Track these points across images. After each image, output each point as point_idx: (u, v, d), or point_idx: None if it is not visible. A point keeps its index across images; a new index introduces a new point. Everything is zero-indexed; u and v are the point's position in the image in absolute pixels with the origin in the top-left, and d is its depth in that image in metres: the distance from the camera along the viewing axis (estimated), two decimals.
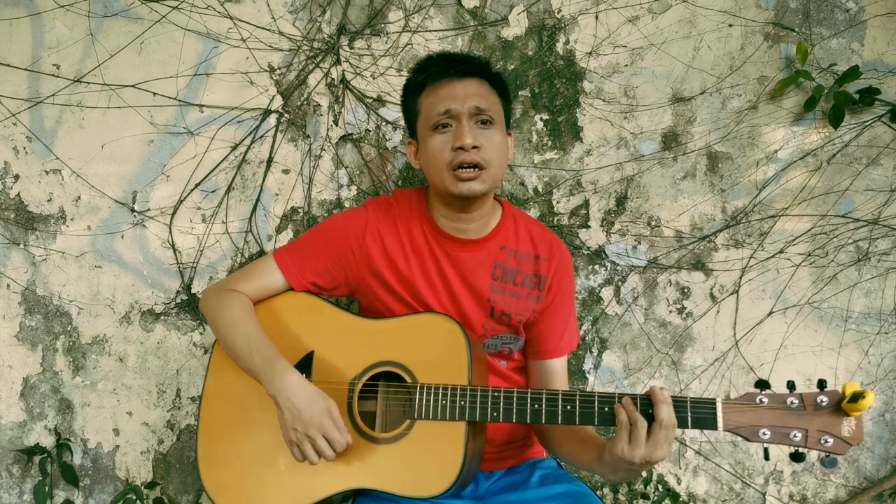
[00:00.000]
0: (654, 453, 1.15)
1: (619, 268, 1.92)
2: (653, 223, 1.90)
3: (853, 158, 1.87)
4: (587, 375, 1.94)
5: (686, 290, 1.92)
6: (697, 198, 1.89)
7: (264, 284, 1.48)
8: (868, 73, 1.82)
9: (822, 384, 1.15)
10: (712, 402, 1.18)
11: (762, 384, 1.18)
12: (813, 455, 1.16)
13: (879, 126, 1.85)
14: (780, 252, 1.89)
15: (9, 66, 1.88)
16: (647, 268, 1.91)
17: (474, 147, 1.33)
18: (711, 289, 1.91)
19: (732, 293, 1.91)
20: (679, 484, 1.96)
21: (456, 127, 1.35)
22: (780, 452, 1.91)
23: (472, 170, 1.34)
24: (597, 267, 1.92)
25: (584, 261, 1.91)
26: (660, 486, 1.96)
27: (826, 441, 1.13)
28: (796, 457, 1.15)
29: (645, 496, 1.95)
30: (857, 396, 1.08)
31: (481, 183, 1.36)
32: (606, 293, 1.92)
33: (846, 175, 1.87)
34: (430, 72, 1.39)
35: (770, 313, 1.91)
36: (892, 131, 1.85)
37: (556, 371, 1.54)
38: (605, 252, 1.91)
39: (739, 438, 1.28)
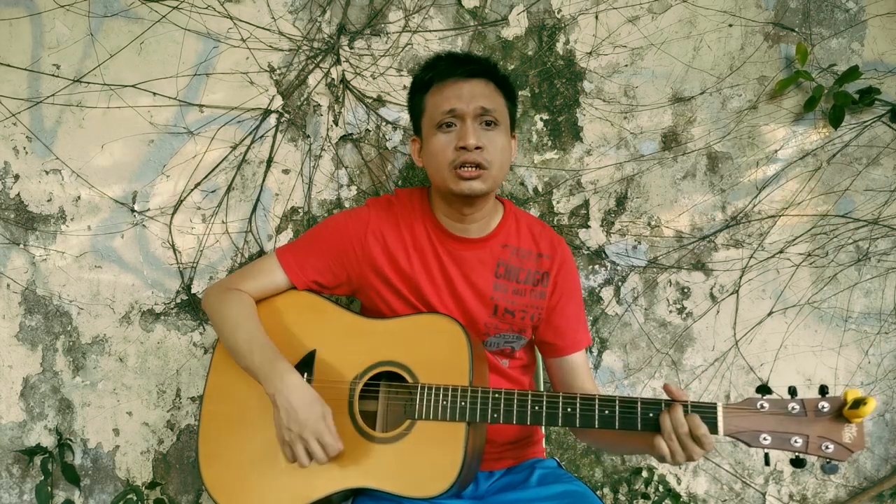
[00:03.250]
0: (695, 453, 1.17)
1: (619, 268, 1.91)
2: (653, 223, 1.90)
3: (853, 158, 1.87)
4: None
5: (686, 290, 1.92)
6: (697, 198, 1.89)
7: (267, 283, 1.48)
8: (868, 73, 1.82)
9: (823, 390, 1.14)
10: (713, 406, 1.17)
11: (763, 389, 1.18)
12: (813, 460, 1.16)
13: (879, 126, 1.85)
14: (780, 252, 1.89)
15: (9, 66, 1.88)
16: (647, 268, 1.91)
17: (477, 147, 1.34)
18: (711, 289, 1.91)
19: (732, 293, 1.91)
20: (679, 484, 1.96)
21: (460, 127, 1.36)
22: (780, 454, 1.90)
23: (473, 169, 1.35)
24: (597, 267, 1.92)
25: (584, 261, 1.91)
26: (660, 486, 1.96)
27: (827, 447, 1.13)
28: (797, 462, 1.15)
29: (645, 496, 1.95)
30: (858, 403, 1.08)
31: (482, 182, 1.36)
32: (606, 293, 1.92)
33: (846, 175, 1.87)
34: (437, 71, 1.40)
35: (770, 313, 1.91)
36: (892, 131, 1.85)
37: (580, 365, 1.54)
38: (605, 252, 1.91)
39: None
